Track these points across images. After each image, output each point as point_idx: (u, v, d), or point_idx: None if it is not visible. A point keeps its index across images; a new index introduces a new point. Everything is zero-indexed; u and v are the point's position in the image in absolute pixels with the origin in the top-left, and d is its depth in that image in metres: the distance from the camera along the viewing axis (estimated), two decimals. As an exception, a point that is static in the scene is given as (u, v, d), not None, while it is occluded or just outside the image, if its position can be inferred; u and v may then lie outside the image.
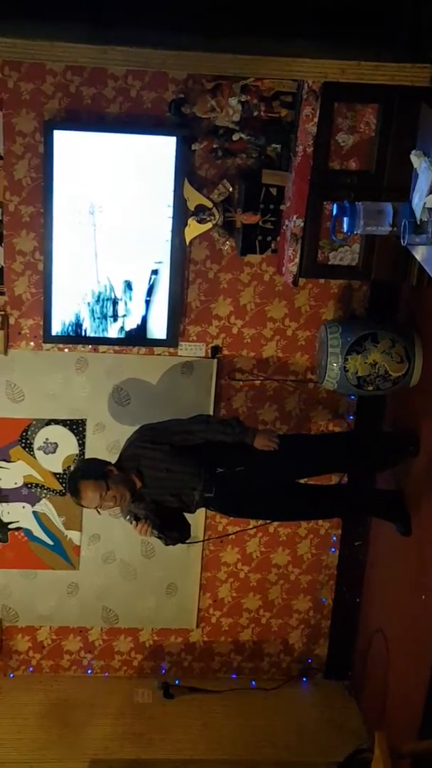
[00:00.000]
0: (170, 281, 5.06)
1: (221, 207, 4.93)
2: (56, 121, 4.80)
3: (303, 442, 5.11)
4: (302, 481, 4.97)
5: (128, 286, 5.05)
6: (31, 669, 5.81)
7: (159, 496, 4.68)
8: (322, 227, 4.55)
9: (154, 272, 5.05)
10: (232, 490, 4.71)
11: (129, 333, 5.15)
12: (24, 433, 5.36)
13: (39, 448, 5.39)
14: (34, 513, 5.49)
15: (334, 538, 5.69)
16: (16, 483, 5.45)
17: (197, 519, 5.29)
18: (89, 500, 4.53)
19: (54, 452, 5.39)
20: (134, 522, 4.64)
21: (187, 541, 4.91)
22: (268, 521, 5.37)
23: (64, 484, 5.44)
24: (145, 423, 4.82)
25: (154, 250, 5.00)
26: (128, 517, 4.70)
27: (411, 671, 4.82)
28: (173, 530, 4.77)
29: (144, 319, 5.13)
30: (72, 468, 5.28)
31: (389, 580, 5.30)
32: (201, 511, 5.28)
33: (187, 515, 4.87)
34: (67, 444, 5.37)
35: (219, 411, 5.36)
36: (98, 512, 4.65)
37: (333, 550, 5.71)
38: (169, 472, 4.64)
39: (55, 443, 5.39)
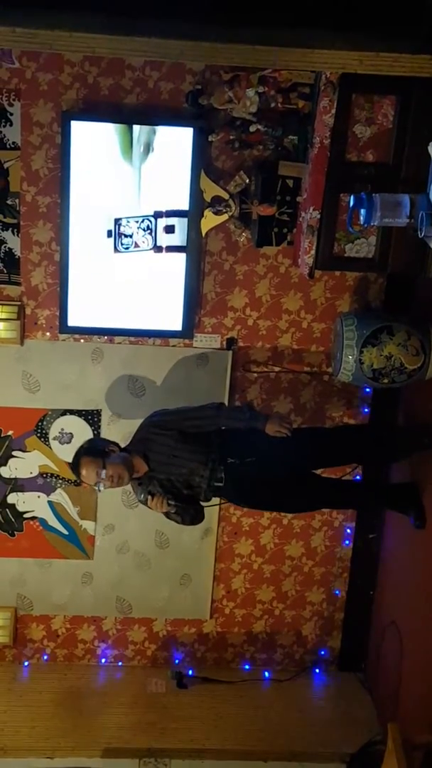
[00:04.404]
0: (186, 272, 5.07)
1: (238, 198, 4.93)
2: (74, 112, 4.81)
3: (317, 434, 5.11)
4: (317, 472, 4.98)
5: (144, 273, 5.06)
6: (45, 657, 5.85)
7: (167, 481, 4.70)
8: (339, 219, 4.54)
9: (171, 263, 5.06)
10: (243, 481, 4.72)
11: (144, 324, 5.17)
12: (39, 423, 5.38)
13: (54, 438, 5.41)
14: (49, 503, 5.52)
15: (348, 531, 5.70)
16: (31, 473, 5.47)
17: (210, 510, 5.30)
18: (85, 476, 4.61)
19: (69, 442, 5.41)
20: (150, 497, 4.66)
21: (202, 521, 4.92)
22: (280, 512, 5.39)
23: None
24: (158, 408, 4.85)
25: (170, 240, 5.01)
26: (142, 497, 4.72)
27: (425, 663, 4.83)
28: (189, 504, 4.78)
29: (159, 310, 5.16)
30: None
31: (403, 572, 5.30)
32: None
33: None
34: (83, 434, 5.38)
35: (233, 403, 5.36)
36: (98, 490, 4.64)
37: (347, 542, 5.72)
38: (176, 458, 4.65)
39: (71, 433, 5.41)
